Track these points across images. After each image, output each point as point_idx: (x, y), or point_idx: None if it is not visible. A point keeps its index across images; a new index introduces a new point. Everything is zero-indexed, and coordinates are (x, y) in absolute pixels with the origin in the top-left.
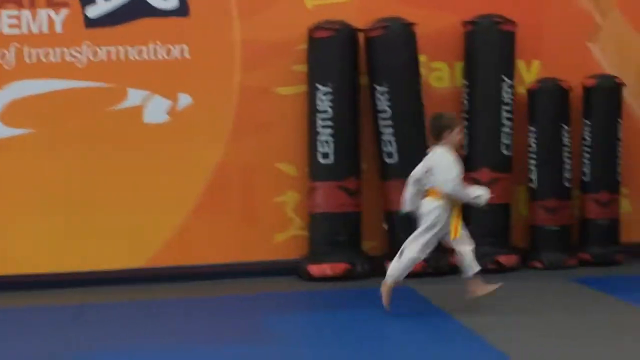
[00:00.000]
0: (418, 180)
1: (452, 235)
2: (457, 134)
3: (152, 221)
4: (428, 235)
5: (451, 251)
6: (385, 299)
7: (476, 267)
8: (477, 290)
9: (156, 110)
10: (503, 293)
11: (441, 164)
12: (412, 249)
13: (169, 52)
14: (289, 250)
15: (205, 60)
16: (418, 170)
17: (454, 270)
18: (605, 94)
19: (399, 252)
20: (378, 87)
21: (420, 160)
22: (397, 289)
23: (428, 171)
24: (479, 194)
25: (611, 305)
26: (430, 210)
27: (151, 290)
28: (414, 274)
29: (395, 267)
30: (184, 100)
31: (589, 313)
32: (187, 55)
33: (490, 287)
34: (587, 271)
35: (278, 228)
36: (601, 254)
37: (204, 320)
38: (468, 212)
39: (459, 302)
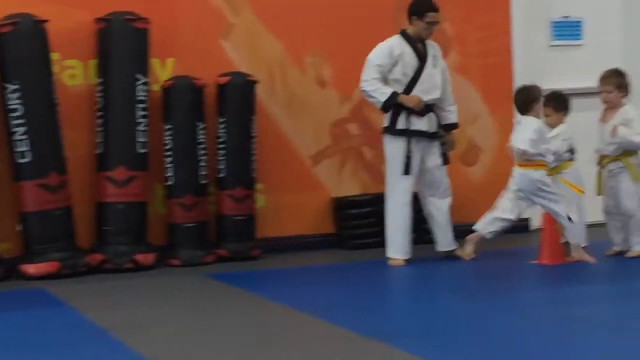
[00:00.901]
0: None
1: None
2: (542, 105)
3: None
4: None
5: (89, 250)
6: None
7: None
8: (581, 257)
9: None
10: (138, 292)
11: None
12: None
13: None
14: None
15: None
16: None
17: (91, 270)
18: (239, 91)
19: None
20: (8, 86)
21: (53, 159)
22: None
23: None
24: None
25: (243, 298)
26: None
27: None
28: (49, 276)
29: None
30: None
31: (222, 307)
32: None
33: (590, 258)
34: (224, 267)
35: None
36: (237, 250)
37: None
38: (104, 211)
39: (94, 302)
